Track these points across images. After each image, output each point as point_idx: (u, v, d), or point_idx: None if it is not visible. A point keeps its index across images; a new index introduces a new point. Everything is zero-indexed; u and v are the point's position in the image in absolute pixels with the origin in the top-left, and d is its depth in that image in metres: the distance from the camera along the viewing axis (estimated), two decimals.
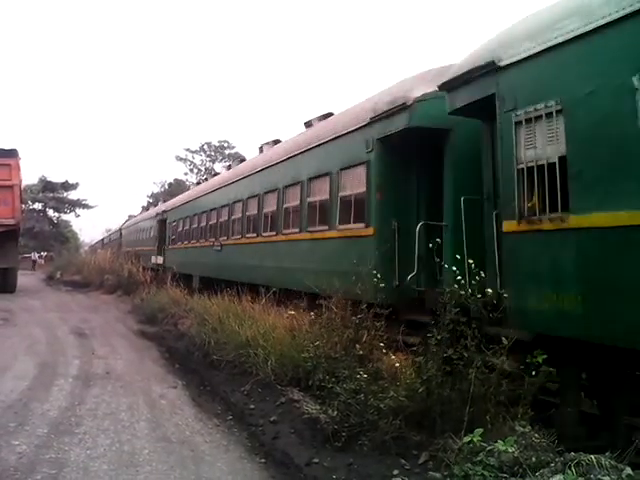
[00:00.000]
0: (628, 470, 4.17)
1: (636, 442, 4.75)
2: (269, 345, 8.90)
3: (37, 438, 6.42)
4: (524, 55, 6.36)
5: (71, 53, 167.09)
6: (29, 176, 67.11)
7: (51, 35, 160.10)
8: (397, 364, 7.31)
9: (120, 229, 49.67)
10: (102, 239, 64.05)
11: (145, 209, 54.40)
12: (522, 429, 5.20)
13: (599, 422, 6.45)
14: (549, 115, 6.01)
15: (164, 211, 30.48)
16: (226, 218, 18.86)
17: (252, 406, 7.78)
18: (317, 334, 8.49)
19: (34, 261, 55.76)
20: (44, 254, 58.77)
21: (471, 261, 6.79)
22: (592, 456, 4.35)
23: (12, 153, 23.91)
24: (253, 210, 16.13)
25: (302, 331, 8.96)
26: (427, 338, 6.49)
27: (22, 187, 26.51)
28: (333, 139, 11.42)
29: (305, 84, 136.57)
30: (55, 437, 6.49)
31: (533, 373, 5.73)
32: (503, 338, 5.96)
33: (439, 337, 6.24)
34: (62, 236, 70.32)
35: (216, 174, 27.72)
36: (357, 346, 7.81)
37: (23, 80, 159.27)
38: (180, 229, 26.32)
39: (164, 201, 40.17)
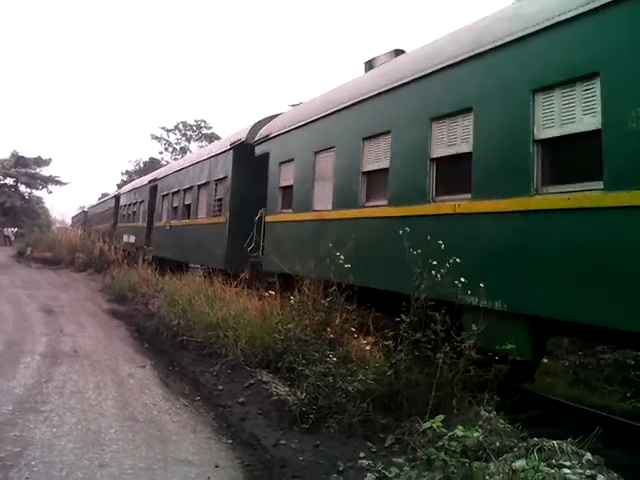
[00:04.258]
0: (588, 456, 4.25)
1: (597, 428, 4.85)
2: (239, 327, 8.89)
3: (1, 415, 6.35)
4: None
5: (46, 26, 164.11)
6: (1, 150, 66.18)
7: (23, 8, 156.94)
8: (367, 347, 7.37)
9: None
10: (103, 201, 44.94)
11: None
12: (487, 414, 5.28)
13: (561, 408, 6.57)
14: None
15: None
16: None
17: (221, 387, 7.78)
18: (288, 317, 8.51)
19: (7, 237, 54.80)
20: (15, 230, 57.78)
21: None
22: (554, 442, 4.43)
23: None
24: None
25: (273, 314, 8.97)
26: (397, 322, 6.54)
27: None
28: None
29: (284, 64, 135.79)
30: (20, 415, 6.41)
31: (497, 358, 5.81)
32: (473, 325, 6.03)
33: (409, 321, 6.27)
34: (34, 212, 69.34)
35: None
36: (328, 329, 7.85)
37: None
38: None
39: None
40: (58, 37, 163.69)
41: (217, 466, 5.36)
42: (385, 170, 9.06)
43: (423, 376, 6.02)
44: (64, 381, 7.97)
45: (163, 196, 23.58)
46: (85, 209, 59.25)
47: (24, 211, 66.56)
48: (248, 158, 14.94)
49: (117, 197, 37.10)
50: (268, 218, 13.28)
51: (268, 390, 7.18)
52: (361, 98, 9.97)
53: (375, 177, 9.45)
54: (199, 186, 18.72)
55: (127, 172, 69.29)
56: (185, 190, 20.33)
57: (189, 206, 19.77)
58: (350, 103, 10.29)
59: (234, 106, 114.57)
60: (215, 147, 18.89)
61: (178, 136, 69.67)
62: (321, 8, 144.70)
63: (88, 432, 6.02)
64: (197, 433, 6.28)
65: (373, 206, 9.31)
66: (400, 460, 4.75)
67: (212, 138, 62.43)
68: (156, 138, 69.82)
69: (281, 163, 13.08)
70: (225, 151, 16.60)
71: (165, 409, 7.06)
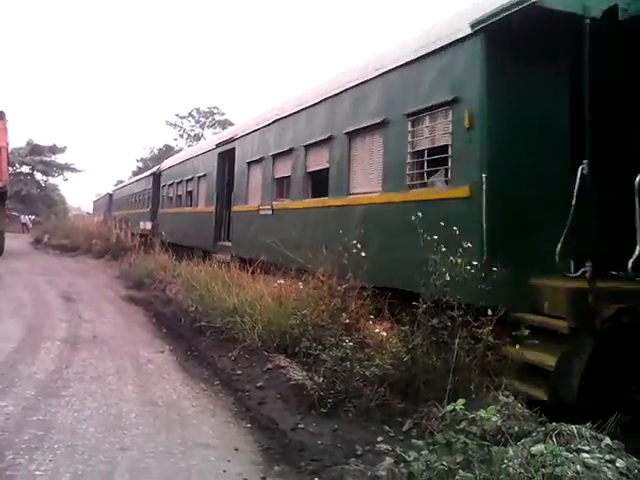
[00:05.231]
0: (607, 440, 4.26)
1: (617, 414, 4.85)
2: (256, 312, 8.92)
3: (24, 400, 6.44)
4: None
5: (60, 15, 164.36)
6: (17, 139, 66.57)
7: None
8: (383, 333, 7.39)
9: None
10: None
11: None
12: (505, 399, 5.29)
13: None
14: None
15: None
16: None
17: (239, 372, 7.82)
18: (304, 302, 8.54)
19: (24, 224, 55.00)
20: (32, 217, 58.10)
21: None
22: (573, 426, 4.44)
23: None
24: None
25: (289, 299, 9.00)
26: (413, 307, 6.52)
27: (9, 150, 26.19)
28: None
29: (295, 50, 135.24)
30: (42, 399, 6.50)
31: (517, 346, 5.82)
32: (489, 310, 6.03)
33: (425, 307, 6.27)
34: (50, 200, 69.78)
35: None
36: (344, 315, 7.87)
37: (10, 42, 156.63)
38: None
39: None
40: (72, 25, 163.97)
41: (236, 449, 5.41)
42: None
43: (440, 361, 6.03)
44: (84, 366, 8.07)
45: (250, 163, 15.43)
46: (110, 192, 51.46)
47: (40, 199, 67.05)
48: (526, 47, 7.05)
49: (156, 174, 28.77)
50: None
51: (286, 375, 7.20)
52: None
53: None
54: (352, 135, 10.41)
55: (142, 159, 69.49)
56: (309, 147, 12.03)
57: (322, 174, 11.47)
58: None
59: (245, 93, 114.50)
60: (402, 45, 9.55)
61: (192, 123, 69.81)
62: None
63: (109, 416, 6.10)
64: (216, 417, 6.34)
65: None
66: (419, 443, 4.78)
67: (225, 124, 62.43)
68: (171, 125, 70.01)
69: None
70: (449, 45, 8.01)
71: (184, 394, 7.13)
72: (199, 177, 20.48)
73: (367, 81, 10.03)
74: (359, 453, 5.22)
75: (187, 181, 22.17)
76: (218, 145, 18.50)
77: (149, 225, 26.60)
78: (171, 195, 25.04)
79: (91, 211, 64.31)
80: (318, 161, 11.72)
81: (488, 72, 7.24)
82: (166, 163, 28.43)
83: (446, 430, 4.21)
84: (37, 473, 4.64)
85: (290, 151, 12.82)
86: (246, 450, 5.44)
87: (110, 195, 49.49)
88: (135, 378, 7.67)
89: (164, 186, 26.57)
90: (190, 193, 21.80)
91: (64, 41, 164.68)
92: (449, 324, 6.07)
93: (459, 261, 6.28)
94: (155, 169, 30.19)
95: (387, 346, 6.98)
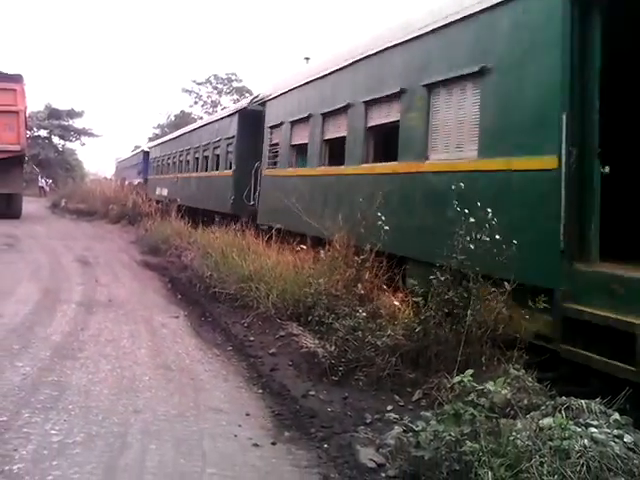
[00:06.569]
0: (616, 415, 4.25)
1: (626, 389, 4.83)
2: (271, 280, 8.96)
3: (40, 361, 6.55)
4: None
5: None
6: (35, 103, 66.77)
7: None
8: (396, 303, 7.40)
9: None
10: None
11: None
12: (516, 372, 5.29)
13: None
14: None
15: None
16: None
17: (252, 338, 7.88)
18: (319, 271, 8.55)
19: (41, 187, 55.13)
20: (49, 181, 58.24)
21: None
22: (582, 401, 4.43)
23: (17, 78, 23.59)
24: None
25: (305, 268, 9.02)
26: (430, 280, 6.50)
27: (27, 113, 26.23)
28: None
29: (313, 16, 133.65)
30: (58, 361, 6.61)
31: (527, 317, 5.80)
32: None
33: (443, 279, 6.24)
34: (68, 164, 69.96)
35: None
36: (358, 285, 7.88)
37: (29, 6, 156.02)
38: None
39: None
40: None
41: (248, 414, 5.47)
42: None
43: (452, 333, 6.03)
44: (99, 329, 8.17)
45: None
46: (146, 148, 40.11)
47: (58, 163, 67.17)
48: None
49: (247, 111, 17.60)
50: None
51: (298, 342, 7.25)
52: None
53: None
54: None
55: (159, 125, 69.33)
56: None
57: None
58: None
59: (263, 59, 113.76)
60: None
61: (209, 89, 69.36)
62: None
63: (123, 379, 6.19)
64: (228, 382, 6.41)
65: None
66: (427, 414, 4.80)
67: (242, 91, 61.99)
68: (187, 91, 69.60)
69: None
70: None
71: (198, 358, 7.20)
72: (438, 88, 8.06)
73: None
74: (368, 421, 5.26)
75: (374, 103, 9.87)
76: None
77: (229, 199, 17.77)
78: (297, 142, 13.41)
79: (111, 175, 63.10)
80: None
81: None
82: (278, 85, 15.24)
83: (455, 401, 4.22)
84: (52, 432, 4.72)
85: None
86: (257, 415, 5.49)
87: (145, 153, 38.36)
88: (149, 342, 7.75)
89: (274, 127, 14.87)
90: (393, 134, 9.27)
91: (83, 5, 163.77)
92: (465, 295, 6.05)
93: None
94: (248, 101, 18.81)
95: (399, 316, 6.99)
